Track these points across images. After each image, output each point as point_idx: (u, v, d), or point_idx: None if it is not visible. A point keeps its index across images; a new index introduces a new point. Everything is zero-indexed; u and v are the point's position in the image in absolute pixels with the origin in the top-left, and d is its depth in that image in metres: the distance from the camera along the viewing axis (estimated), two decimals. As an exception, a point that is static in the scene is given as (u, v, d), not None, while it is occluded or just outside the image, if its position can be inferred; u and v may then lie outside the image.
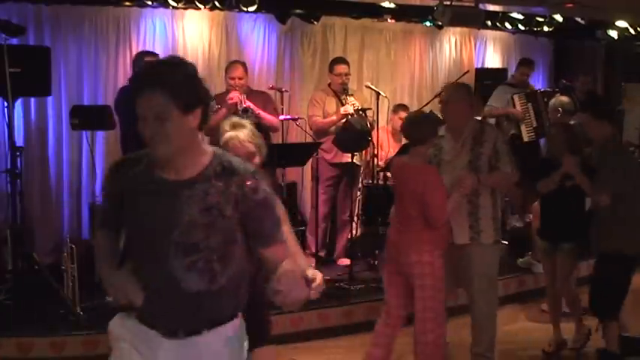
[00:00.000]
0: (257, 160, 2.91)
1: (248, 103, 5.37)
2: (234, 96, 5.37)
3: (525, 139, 6.82)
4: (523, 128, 6.82)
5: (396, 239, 3.97)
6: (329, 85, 6.06)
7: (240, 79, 5.48)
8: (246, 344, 2.37)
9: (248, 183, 2.18)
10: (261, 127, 5.49)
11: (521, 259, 6.12)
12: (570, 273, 4.69)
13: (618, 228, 4.22)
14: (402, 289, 3.97)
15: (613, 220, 4.23)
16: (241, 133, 2.94)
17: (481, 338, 4.20)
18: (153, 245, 2.17)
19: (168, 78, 2.12)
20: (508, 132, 7.13)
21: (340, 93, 5.89)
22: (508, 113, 6.98)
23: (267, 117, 5.50)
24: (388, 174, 6.33)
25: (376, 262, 5.80)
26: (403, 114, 6.58)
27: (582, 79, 7.56)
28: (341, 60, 6.09)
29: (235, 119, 2.87)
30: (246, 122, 3.04)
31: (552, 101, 5.85)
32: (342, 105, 5.81)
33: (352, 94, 5.88)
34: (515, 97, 6.85)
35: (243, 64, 5.73)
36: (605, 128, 4.36)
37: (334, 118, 5.80)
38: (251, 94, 5.59)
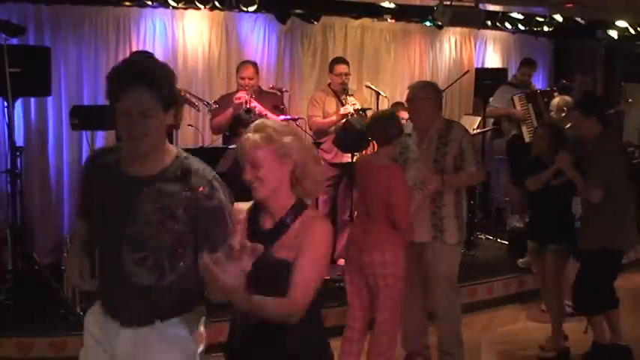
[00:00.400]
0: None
1: (254, 104, 5.37)
2: (241, 95, 5.38)
3: (527, 139, 6.81)
4: (524, 129, 6.82)
5: (358, 239, 3.94)
6: (329, 85, 6.06)
7: (250, 79, 5.50)
8: (195, 336, 2.40)
9: (201, 189, 2.22)
10: None
11: (521, 260, 6.12)
12: (559, 274, 4.68)
13: (605, 225, 4.27)
14: (365, 294, 3.96)
15: (601, 217, 4.27)
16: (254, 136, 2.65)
17: (446, 336, 4.23)
18: (109, 237, 2.26)
19: (156, 76, 2.15)
20: (509, 132, 7.14)
21: (340, 93, 5.89)
22: (509, 114, 6.98)
23: (274, 119, 5.50)
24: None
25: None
26: (404, 113, 6.56)
27: (580, 79, 7.56)
28: (341, 60, 6.08)
29: (259, 122, 2.53)
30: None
31: (556, 101, 5.84)
32: (342, 105, 5.81)
33: (352, 94, 5.88)
34: (516, 98, 6.85)
35: (254, 65, 5.73)
36: (595, 125, 4.36)
37: (334, 118, 5.80)
38: (261, 94, 5.60)
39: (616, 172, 4.31)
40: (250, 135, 2.29)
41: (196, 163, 2.30)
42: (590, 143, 4.40)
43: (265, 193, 2.27)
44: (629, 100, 8.14)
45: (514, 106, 6.85)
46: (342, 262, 5.92)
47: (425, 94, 4.14)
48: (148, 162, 2.23)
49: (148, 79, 2.13)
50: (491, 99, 7.25)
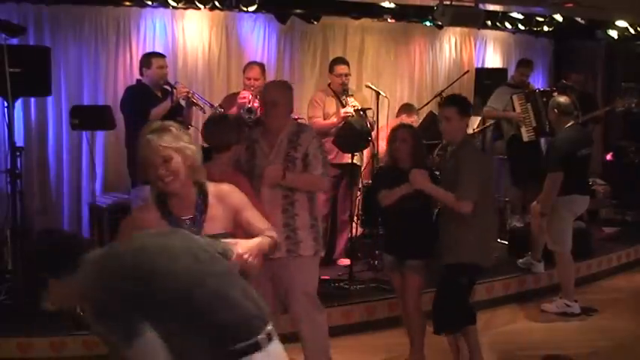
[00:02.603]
0: (178, 160, 2.59)
1: (257, 104, 5.38)
2: (245, 95, 5.40)
3: (525, 139, 6.82)
4: (523, 129, 6.82)
5: None
6: (329, 85, 6.06)
7: (256, 79, 5.52)
8: None
9: None
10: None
11: (520, 260, 6.12)
12: (420, 290, 4.22)
13: (471, 238, 3.91)
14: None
15: (466, 229, 3.91)
16: (157, 138, 2.60)
17: (314, 358, 3.97)
18: None
19: None
20: (508, 133, 7.14)
21: (340, 93, 5.89)
22: (507, 117, 6.97)
23: None
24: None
25: (376, 263, 5.79)
26: (416, 117, 6.52)
27: (575, 78, 7.56)
28: (341, 60, 6.08)
29: (158, 123, 2.69)
30: (174, 125, 2.68)
31: (550, 101, 5.84)
32: (343, 105, 5.81)
33: (352, 95, 5.88)
34: (514, 98, 6.85)
35: (261, 65, 5.74)
36: (465, 128, 4.12)
37: (334, 120, 5.79)
38: None
39: (484, 181, 3.98)
40: (158, 135, 2.58)
41: None
42: (456, 147, 4.07)
43: (178, 184, 2.59)
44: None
45: (513, 106, 6.84)
46: (342, 262, 5.94)
47: (278, 96, 3.84)
48: None
49: None
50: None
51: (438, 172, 4.33)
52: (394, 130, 4.24)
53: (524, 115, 6.79)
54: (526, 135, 6.81)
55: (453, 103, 4.09)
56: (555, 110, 5.49)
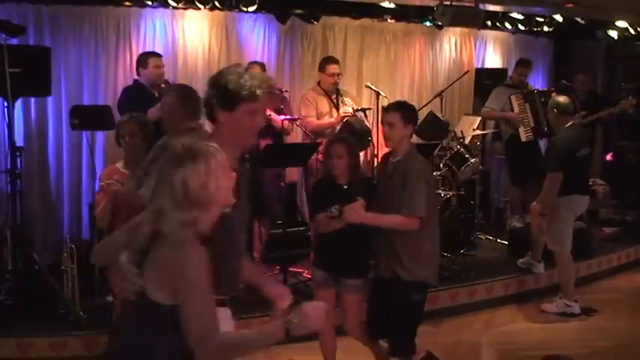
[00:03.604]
0: None
1: None
2: None
3: (523, 139, 6.82)
4: (521, 129, 6.82)
5: None
6: (318, 83, 6.04)
7: None
8: None
9: None
10: (273, 129, 5.52)
11: (521, 260, 6.12)
12: (361, 310, 3.96)
13: (422, 253, 3.70)
14: None
15: (416, 244, 3.67)
16: None
17: None
18: None
19: None
20: (507, 133, 7.14)
21: (331, 93, 5.89)
22: (503, 117, 6.98)
23: (277, 119, 5.51)
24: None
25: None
26: None
27: (581, 79, 7.55)
28: (332, 60, 6.08)
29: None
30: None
31: (550, 101, 5.84)
32: (335, 105, 5.81)
33: (343, 94, 5.89)
34: (513, 98, 6.85)
35: (262, 65, 5.74)
36: (410, 136, 3.81)
37: (333, 120, 5.79)
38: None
39: (431, 192, 3.78)
40: None
41: None
42: (400, 157, 3.74)
43: None
44: None
45: (511, 106, 6.84)
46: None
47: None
48: None
49: None
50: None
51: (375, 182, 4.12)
52: (329, 146, 3.91)
53: (522, 116, 6.79)
54: (524, 135, 6.81)
55: (397, 108, 3.82)
56: (555, 110, 5.48)
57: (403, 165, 3.70)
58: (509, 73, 7.90)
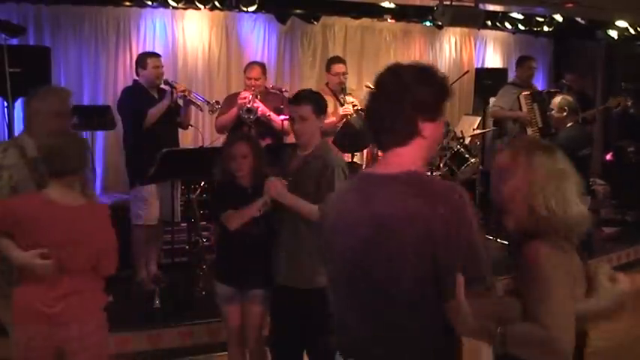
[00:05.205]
0: None
1: (257, 104, 5.37)
2: (245, 95, 5.39)
3: None
4: (528, 129, 6.79)
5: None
6: (326, 84, 6.06)
7: (256, 79, 5.50)
8: None
9: None
10: (273, 129, 5.51)
11: (521, 260, 6.11)
12: (262, 323, 3.62)
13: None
14: None
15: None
16: None
17: None
18: None
19: None
20: (513, 132, 7.10)
21: (338, 93, 5.89)
22: (514, 117, 6.94)
23: (276, 119, 5.51)
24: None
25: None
26: None
27: (569, 78, 7.55)
28: (338, 59, 6.08)
29: None
30: None
31: (557, 100, 5.81)
32: (341, 105, 5.80)
33: (350, 94, 5.88)
34: (522, 97, 6.82)
35: (262, 65, 5.73)
36: (320, 129, 3.50)
37: (334, 119, 5.79)
38: (268, 95, 5.60)
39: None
40: None
41: None
42: (312, 150, 3.41)
43: None
44: None
45: (520, 105, 6.81)
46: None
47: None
48: None
49: None
50: (492, 99, 7.21)
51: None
52: (230, 145, 3.55)
53: (530, 115, 6.77)
54: (532, 135, 6.78)
55: (307, 100, 3.41)
56: (566, 108, 5.49)
57: (320, 160, 3.36)
58: (510, 73, 7.90)
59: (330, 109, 5.89)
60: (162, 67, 5.36)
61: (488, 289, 1.95)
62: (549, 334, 1.87)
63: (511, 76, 7.95)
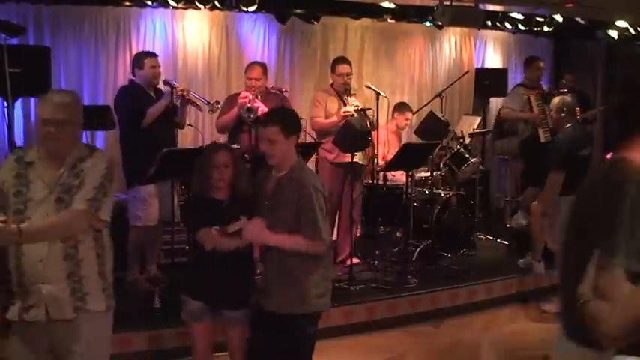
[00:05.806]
0: None
1: (258, 104, 5.37)
2: (245, 95, 5.39)
3: (542, 140, 6.73)
4: (540, 130, 6.77)
5: None
6: (331, 85, 6.06)
7: (257, 79, 5.50)
8: None
9: None
10: None
11: (521, 260, 6.12)
12: (244, 345, 3.46)
13: (316, 281, 3.25)
14: None
15: (306, 271, 3.23)
16: None
17: None
18: None
19: None
20: (524, 134, 7.08)
21: (342, 93, 5.89)
22: (525, 118, 6.91)
23: None
24: (389, 174, 6.33)
25: (376, 263, 5.79)
26: (409, 114, 6.58)
27: (568, 78, 7.55)
28: (343, 60, 6.08)
29: None
30: None
31: (555, 100, 5.82)
32: (345, 105, 5.81)
33: (354, 94, 5.88)
34: (532, 98, 6.81)
35: (262, 65, 5.72)
36: (294, 148, 3.30)
37: (335, 119, 5.79)
38: (268, 95, 5.60)
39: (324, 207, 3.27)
40: None
41: None
42: (287, 172, 3.25)
43: None
44: None
45: (530, 106, 6.79)
46: (352, 261, 5.82)
47: (68, 113, 2.78)
48: None
49: None
50: (493, 99, 7.21)
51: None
52: (211, 153, 3.40)
53: (542, 116, 6.76)
54: (543, 136, 6.73)
55: (275, 121, 3.24)
56: (564, 108, 5.48)
57: (294, 182, 3.22)
58: (510, 73, 7.90)
59: (335, 109, 5.91)
60: (160, 66, 5.35)
61: None
62: None
63: (511, 76, 7.97)
